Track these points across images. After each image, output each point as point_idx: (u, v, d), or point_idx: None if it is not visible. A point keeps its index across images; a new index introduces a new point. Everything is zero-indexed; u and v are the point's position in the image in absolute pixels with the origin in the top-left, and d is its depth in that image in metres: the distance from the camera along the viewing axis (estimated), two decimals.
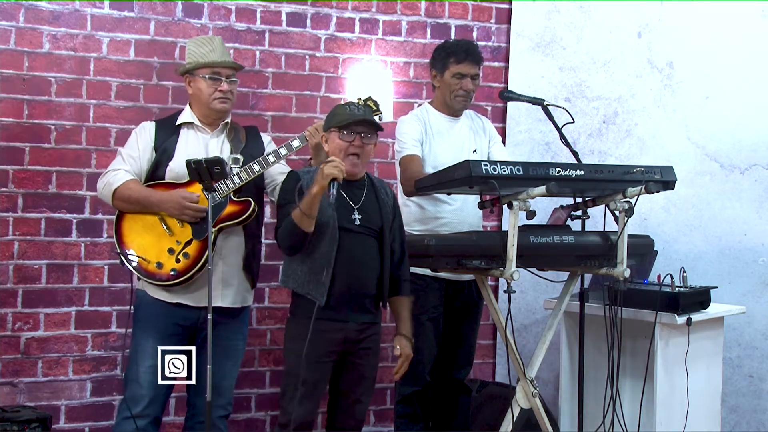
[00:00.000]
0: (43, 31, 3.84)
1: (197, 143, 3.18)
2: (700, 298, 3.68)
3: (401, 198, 3.64)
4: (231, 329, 3.20)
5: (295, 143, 3.14)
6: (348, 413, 3.04)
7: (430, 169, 3.44)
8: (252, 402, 4.14)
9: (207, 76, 3.13)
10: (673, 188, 3.22)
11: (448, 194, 3.41)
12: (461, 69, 3.51)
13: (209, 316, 2.76)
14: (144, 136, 3.18)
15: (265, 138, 3.34)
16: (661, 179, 3.11)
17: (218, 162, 2.77)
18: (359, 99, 3.19)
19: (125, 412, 3.07)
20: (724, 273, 4.29)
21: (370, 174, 3.14)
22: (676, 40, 4.43)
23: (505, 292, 2.92)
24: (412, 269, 3.44)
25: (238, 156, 3.12)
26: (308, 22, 4.24)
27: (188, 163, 2.80)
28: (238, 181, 3.06)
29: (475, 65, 3.53)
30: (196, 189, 3.07)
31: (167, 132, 3.17)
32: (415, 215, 3.55)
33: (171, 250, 3.07)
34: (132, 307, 3.16)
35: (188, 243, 3.07)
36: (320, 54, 4.26)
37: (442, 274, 3.41)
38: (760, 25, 4.37)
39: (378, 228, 3.02)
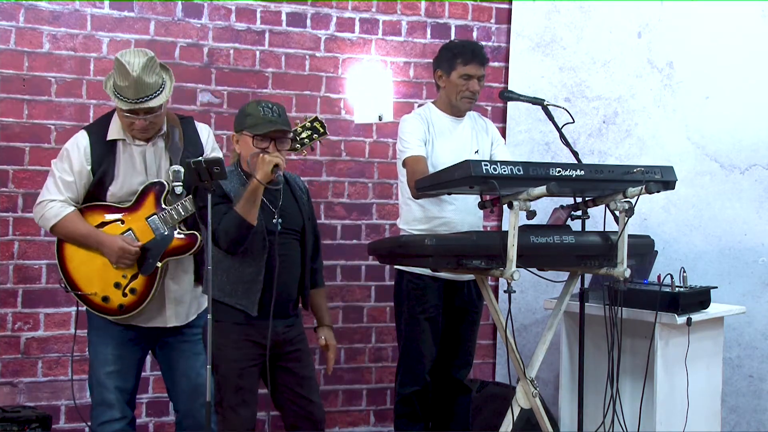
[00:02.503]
0: (43, 31, 3.84)
1: (134, 160, 3.04)
2: (700, 298, 3.68)
3: (401, 197, 3.64)
4: (191, 329, 3.16)
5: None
6: (304, 416, 3.03)
7: (431, 169, 3.43)
8: None
9: (123, 114, 2.96)
10: (673, 188, 3.21)
11: (449, 194, 3.41)
12: (468, 70, 3.50)
13: (209, 316, 2.76)
14: (78, 157, 3.00)
15: (203, 130, 3.20)
16: (661, 179, 3.10)
17: (218, 162, 2.76)
18: (306, 119, 3.07)
19: (101, 417, 3.03)
20: (724, 273, 4.29)
21: (285, 172, 3.08)
22: (676, 40, 4.43)
23: (505, 292, 2.92)
24: (412, 269, 3.45)
25: (178, 168, 3.01)
26: (308, 22, 4.24)
27: (188, 164, 2.78)
28: (184, 213, 3.00)
29: (481, 66, 3.53)
30: (138, 220, 3.01)
31: (102, 149, 3.00)
32: (416, 215, 3.54)
33: (117, 285, 3.00)
34: (82, 309, 3.11)
35: (134, 277, 3.01)
36: (320, 54, 4.27)
37: (441, 274, 3.41)
38: (760, 25, 4.37)
39: (299, 228, 3.02)
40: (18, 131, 3.81)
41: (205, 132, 3.22)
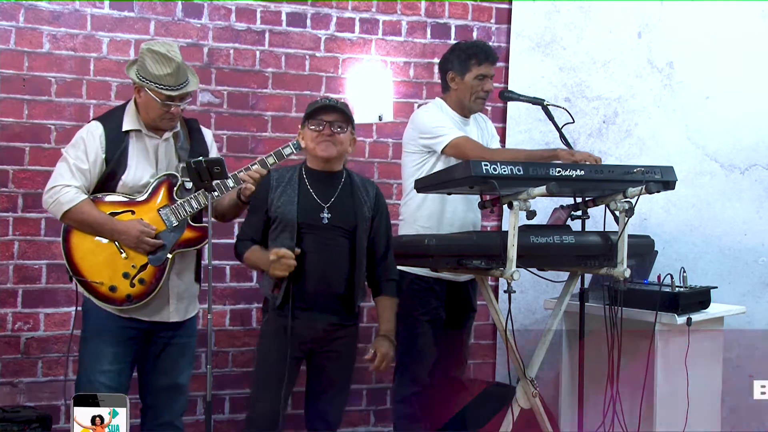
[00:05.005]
0: (43, 31, 3.83)
1: (147, 153, 3.04)
2: (700, 298, 3.68)
3: (403, 196, 3.62)
4: (183, 328, 3.16)
5: (240, 174, 3.04)
6: (319, 417, 3.02)
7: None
8: None
9: (162, 102, 2.95)
10: (673, 188, 3.22)
11: (449, 194, 3.41)
12: (483, 70, 3.50)
13: (209, 316, 2.76)
14: (93, 145, 2.98)
15: (207, 134, 3.23)
16: (661, 179, 3.11)
17: (218, 162, 2.77)
18: None
19: None
20: (724, 273, 4.29)
21: (352, 172, 3.11)
22: (676, 40, 4.43)
23: (505, 292, 2.92)
24: (413, 270, 3.45)
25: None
26: (308, 22, 4.24)
27: (188, 163, 2.79)
28: (197, 206, 3.01)
29: (493, 66, 3.54)
30: (150, 211, 3.00)
31: (116, 140, 3.00)
32: (418, 213, 3.53)
33: (126, 275, 2.98)
34: (80, 309, 3.09)
35: (143, 267, 2.99)
36: (320, 54, 4.26)
37: (443, 275, 3.41)
38: (760, 25, 4.38)
39: (351, 227, 2.97)
40: (18, 131, 3.81)
41: (209, 136, 3.25)
